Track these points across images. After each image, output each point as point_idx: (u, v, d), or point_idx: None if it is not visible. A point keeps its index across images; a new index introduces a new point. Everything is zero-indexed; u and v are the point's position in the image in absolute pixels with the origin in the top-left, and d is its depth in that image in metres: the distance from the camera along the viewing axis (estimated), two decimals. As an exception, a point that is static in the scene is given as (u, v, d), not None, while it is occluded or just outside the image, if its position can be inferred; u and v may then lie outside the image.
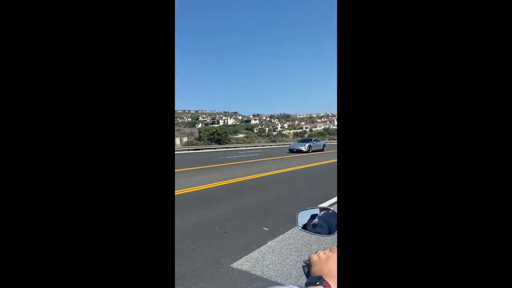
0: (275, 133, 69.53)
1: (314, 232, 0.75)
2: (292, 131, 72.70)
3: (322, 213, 0.77)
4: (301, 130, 70.70)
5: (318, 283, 0.51)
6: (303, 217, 0.78)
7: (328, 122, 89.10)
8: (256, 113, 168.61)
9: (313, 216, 0.77)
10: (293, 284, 0.49)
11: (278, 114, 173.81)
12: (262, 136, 57.12)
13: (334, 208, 0.71)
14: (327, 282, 0.51)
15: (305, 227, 0.77)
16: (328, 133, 64.39)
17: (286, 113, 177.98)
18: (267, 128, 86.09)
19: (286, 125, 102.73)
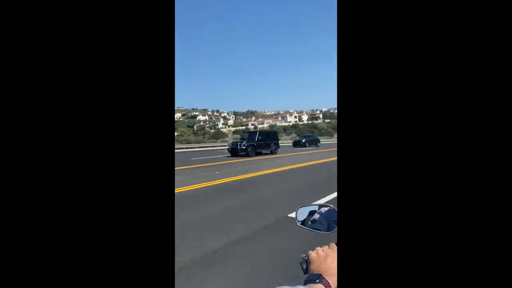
0: (212, 131, 58.58)
1: (313, 229, 0.74)
2: (233, 128, 62.43)
3: (321, 209, 0.76)
4: (243, 128, 60.84)
5: (317, 281, 0.51)
6: (302, 213, 0.78)
7: (280, 118, 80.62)
8: (216, 109, 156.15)
9: (311, 213, 0.77)
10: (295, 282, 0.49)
11: (243, 111, 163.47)
12: (197, 135, 47.70)
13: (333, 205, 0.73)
14: (327, 280, 0.51)
15: (304, 223, 0.77)
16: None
17: (251, 109, 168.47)
18: (207, 125, 75.63)
19: (231, 122, 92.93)
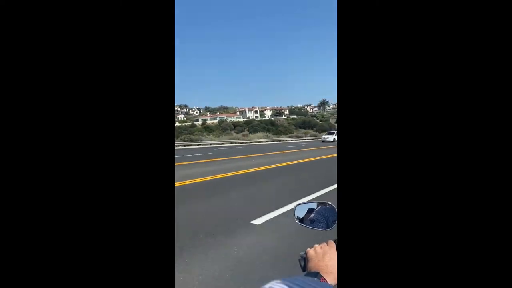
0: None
1: (312, 227, 0.75)
2: (179, 124, 54.04)
3: (319, 207, 0.77)
4: (190, 123, 52.73)
5: (315, 279, 0.52)
6: (301, 211, 0.79)
7: (238, 113, 73.14)
8: (183, 104, 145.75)
9: (310, 210, 0.77)
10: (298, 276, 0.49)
11: (216, 107, 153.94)
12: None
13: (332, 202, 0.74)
14: (324, 278, 0.52)
15: (302, 220, 0.78)
16: (222, 127, 47.00)
17: (225, 105, 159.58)
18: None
19: (181, 117, 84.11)
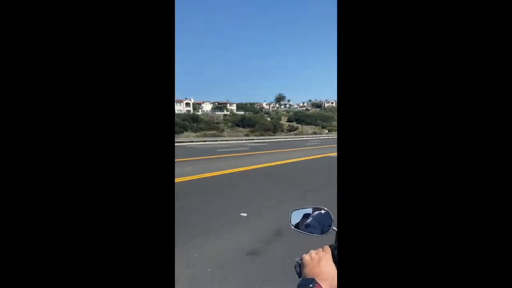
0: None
1: (307, 232, 0.76)
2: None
3: (315, 213, 0.77)
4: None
5: (311, 285, 0.52)
6: (296, 216, 0.79)
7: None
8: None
9: (305, 216, 0.78)
10: None
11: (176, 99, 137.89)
12: None
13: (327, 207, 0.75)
14: (320, 285, 0.52)
15: (297, 226, 0.78)
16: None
17: (180, 98, 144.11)
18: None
19: None
